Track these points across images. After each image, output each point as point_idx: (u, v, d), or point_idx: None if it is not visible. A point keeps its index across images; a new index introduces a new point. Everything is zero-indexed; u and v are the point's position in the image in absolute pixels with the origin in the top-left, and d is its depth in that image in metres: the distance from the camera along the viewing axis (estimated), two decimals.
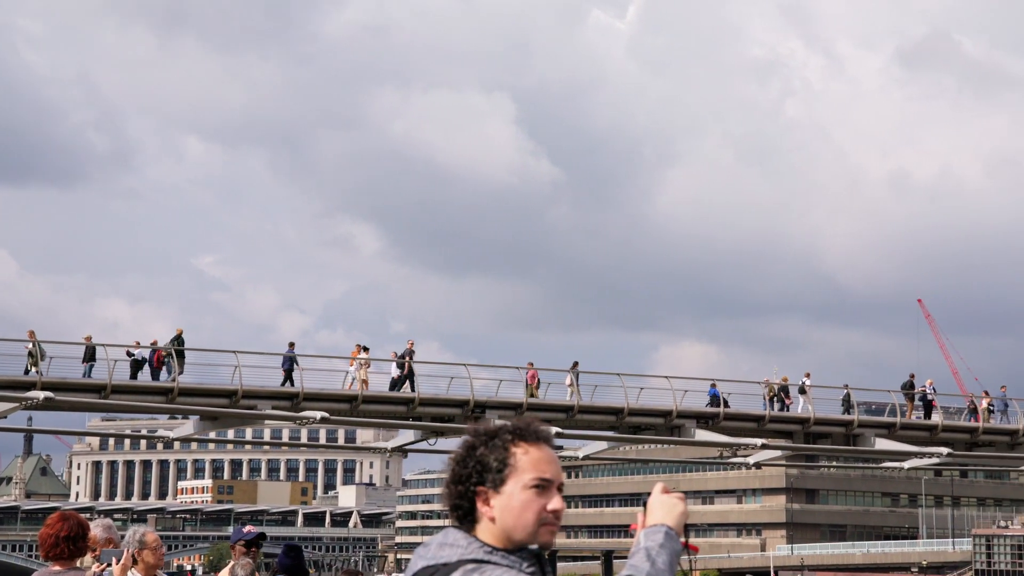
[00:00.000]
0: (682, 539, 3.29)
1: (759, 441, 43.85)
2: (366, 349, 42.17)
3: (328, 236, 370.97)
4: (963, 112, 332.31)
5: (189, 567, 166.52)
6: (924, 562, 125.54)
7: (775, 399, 44.70)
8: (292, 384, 40.62)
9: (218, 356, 41.38)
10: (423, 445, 46.22)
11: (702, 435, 44.06)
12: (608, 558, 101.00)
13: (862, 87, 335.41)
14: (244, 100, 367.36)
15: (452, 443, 51.98)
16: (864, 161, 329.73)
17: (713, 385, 45.42)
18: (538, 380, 42.38)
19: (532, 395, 41.84)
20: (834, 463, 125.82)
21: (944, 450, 44.70)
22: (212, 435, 46.56)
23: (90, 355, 38.59)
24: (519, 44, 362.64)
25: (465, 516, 3.35)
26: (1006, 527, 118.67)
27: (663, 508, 3.32)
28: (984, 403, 46.70)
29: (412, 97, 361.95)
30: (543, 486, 3.32)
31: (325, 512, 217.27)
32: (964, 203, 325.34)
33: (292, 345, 41.52)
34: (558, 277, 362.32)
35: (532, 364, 42.92)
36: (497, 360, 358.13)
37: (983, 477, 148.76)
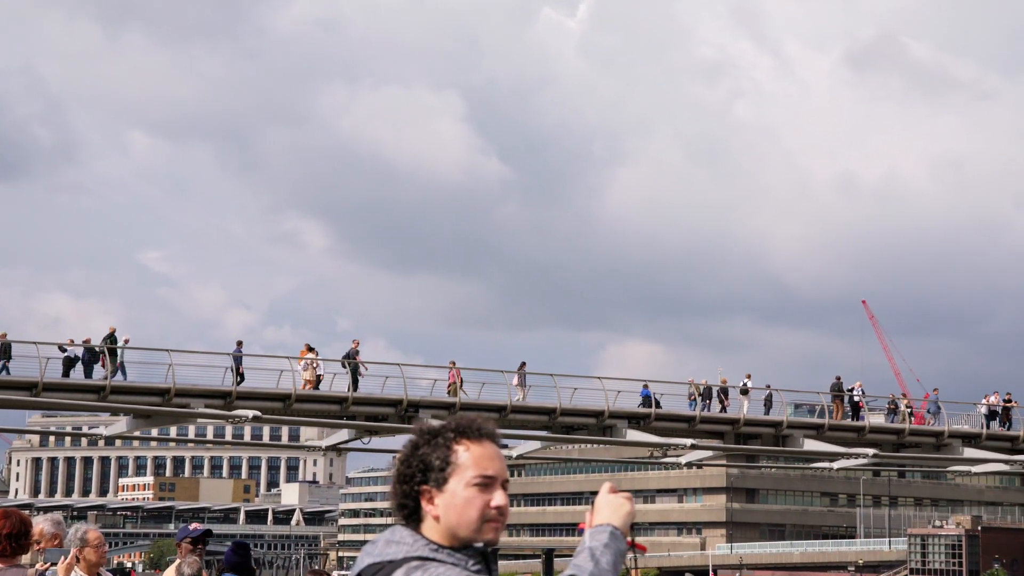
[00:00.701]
0: (628, 539, 3.30)
1: (688, 441, 44.47)
2: (313, 349, 42.50)
3: (275, 232, 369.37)
4: (910, 115, 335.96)
5: (129, 564, 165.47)
6: (860, 561, 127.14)
7: (702, 398, 45.36)
8: (243, 382, 41.03)
9: (161, 353, 41.24)
10: (358, 444, 46.64)
11: (633, 435, 44.59)
12: (549, 556, 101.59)
13: (811, 89, 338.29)
14: (192, 94, 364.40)
15: (387, 442, 52.38)
16: (812, 163, 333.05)
17: (645, 386, 45.99)
18: (461, 379, 42.77)
19: (455, 394, 42.24)
20: (774, 463, 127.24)
21: (870, 451, 45.54)
22: (154, 432, 46.65)
23: (4, 352, 38.56)
24: (469, 41, 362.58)
25: (411, 515, 3.37)
26: (941, 527, 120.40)
27: (610, 508, 3.35)
28: (903, 404, 47.66)
29: (361, 93, 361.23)
30: (486, 483, 3.33)
31: (267, 510, 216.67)
32: (910, 205, 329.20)
33: (240, 344, 41.88)
34: (506, 275, 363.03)
35: (454, 363, 43.46)
36: (445, 359, 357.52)
37: (920, 477, 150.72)
